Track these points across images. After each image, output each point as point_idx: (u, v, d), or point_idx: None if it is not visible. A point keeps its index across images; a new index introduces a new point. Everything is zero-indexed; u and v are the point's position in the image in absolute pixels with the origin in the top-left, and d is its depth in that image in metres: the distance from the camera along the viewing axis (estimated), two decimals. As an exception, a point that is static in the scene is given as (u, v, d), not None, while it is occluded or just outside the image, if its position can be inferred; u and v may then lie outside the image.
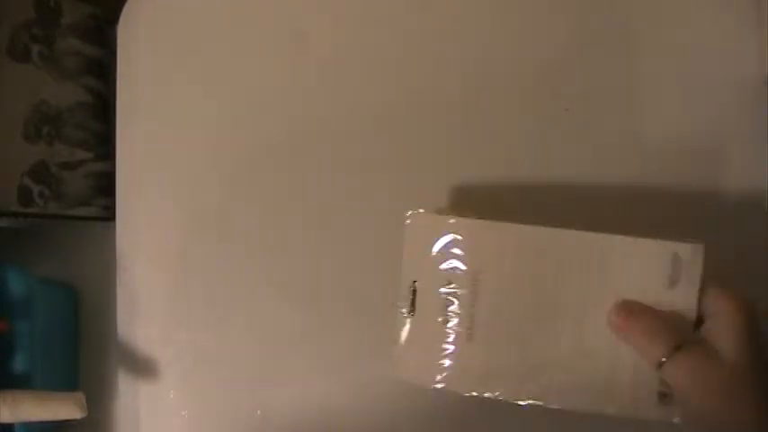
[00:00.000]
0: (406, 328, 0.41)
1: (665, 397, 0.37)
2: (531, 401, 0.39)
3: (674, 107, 0.44)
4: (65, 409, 0.42)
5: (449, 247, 0.40)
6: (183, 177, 0.49)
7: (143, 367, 0.48)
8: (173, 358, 0.48)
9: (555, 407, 0.39)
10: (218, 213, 0.48)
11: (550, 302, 0.39)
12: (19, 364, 0.46)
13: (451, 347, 0.40)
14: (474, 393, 0.40)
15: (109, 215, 0.51)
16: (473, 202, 0.45)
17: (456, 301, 0.40)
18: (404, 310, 0.41)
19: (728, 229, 0.43)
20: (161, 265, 0.49)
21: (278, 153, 0.48)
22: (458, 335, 0.40)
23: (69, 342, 0.53)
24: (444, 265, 0.40)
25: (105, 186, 0.51)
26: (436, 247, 0.40)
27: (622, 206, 0.44)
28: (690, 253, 0.38)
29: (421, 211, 0.41)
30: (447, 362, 0.40)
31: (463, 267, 0.40)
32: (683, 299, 0.38)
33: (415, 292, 0.40)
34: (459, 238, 0.40)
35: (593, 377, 0.38)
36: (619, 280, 0.38)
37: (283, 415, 0.47)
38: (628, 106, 0.44)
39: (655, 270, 0.38)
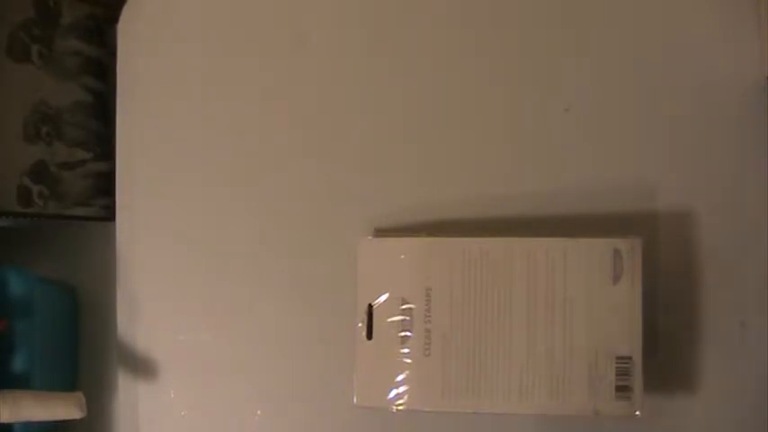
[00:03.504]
0: (365, 353, 0.41)
1: (623, 390, 0.39)
2: (492, 410, 0.40)
3: (673, 107, 0.44)
4: (64, 408, 0.42)
5: (401, 268, 0.41)
6: (183, 177, 0.49)
7: (143, 367, 0.48)
8: (173, 358, 0.48)
9: (517, 412, 0.40)
10: (218, 213, 0.48)
11: (501, 309, 0.40)
12: (19, 363, 0.46)
13: (410, 366, 0.41)
14: (437, 409, 0.41)
15: (109, 215, 0.51)
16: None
17: (411, 319, 0.41)
18: (361, 336, 0.41)
19: (728, 228, 0.44)
20: (161, 265, 0.49)
21: (278, 153, 0.48)
22: (415, 352, 0.41)
23: (69, 342, 0.53)
24: (398, 286, 0.41)
25: (105, 186, 0.51)
26: (389, 270, 0.42)
27: (621, 206, 0.44)
28: (629, 248, 0.39)
29: (370, 237, 0.44)
30: (407, 381, 0.41)
31: (416, 285, 0.41)
32: (627, 293, 0.39)
33: (371, 316, 0.41)
34: (410, 257, 0.41)
35: (550, 379, 0.40)
36: (566, 281, 0.40)
37: (283, 415, 0.47)
38: (627, 107, 0.44)
39: (598, 268, 0.40)
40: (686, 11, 0.44)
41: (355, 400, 0.42)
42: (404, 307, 0.41)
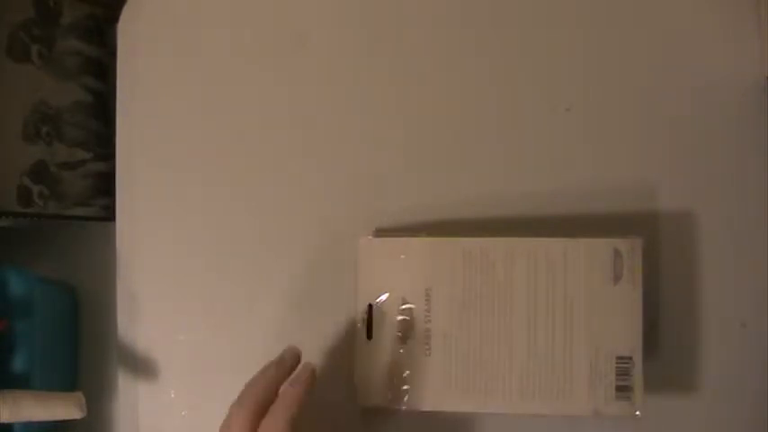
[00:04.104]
0: (366, 353, 0.41)
1: (623, 390, 0.39)
2: (492, 410, 0.40)
3: (673, 107, 0.44)
4: (64, 408, 0.42)
5: (401, 268, 0.41)
6: (182, 177, 0.49)
7: (143, 367, 0.48)
8: (173, 358, 0.48)
9: (517, 412, 0.40)
10: (218, 213, 0.48)
11: (501, 309, 0.40)
12: (19, 363, 0.46)
13: (411, 366, 0.41)
14: (437, 409, 0.41)
15: (109, 215, 0.51)
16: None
17: (411, 319, 0.41)
18: (361, 336, 0.41)
19: (728, 228, 0.44)
20: (161, 265, 0.49)
21: (278, 153, 0.48)
22: (416, 352, 0.41)
23: (69, 342, 0.53)
24: (398, 286, 0.41)
25: (105, 186, 0.51)
26: (389, 270, 0.42)
27: (621, 206, 0.44)
28: (629, 247, 0.39)
29: (370, 237, 0.43)
30: (407, 381, 0.41)
31: (416, 285, 0.41)
32: (627, 293, 0.39)
33: (371, 316, 0.41)
34: (410, 257, 0.41)
35: (550, 379, 0.40)
36: (566, 281, 0.40)
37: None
38: (627, 107, 0.44)
39: (598, 267, 0.40)
40: (686, 11, 0.44)
41: (358, 399, 0.42)
42: (404, 307, 0.41)
